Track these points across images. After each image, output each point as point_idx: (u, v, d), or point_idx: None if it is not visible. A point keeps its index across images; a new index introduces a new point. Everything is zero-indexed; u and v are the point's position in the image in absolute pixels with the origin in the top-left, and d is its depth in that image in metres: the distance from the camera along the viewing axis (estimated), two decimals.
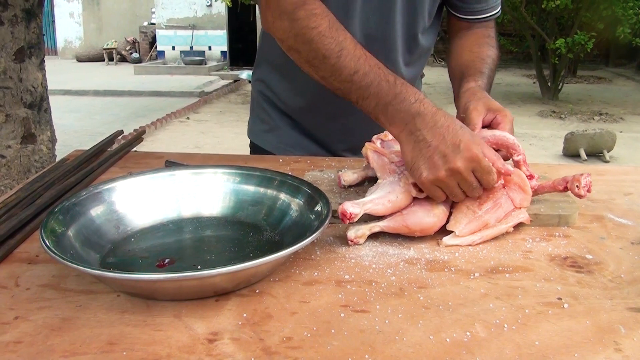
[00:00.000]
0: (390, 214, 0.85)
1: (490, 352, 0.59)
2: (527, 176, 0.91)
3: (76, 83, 10.23)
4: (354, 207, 0.82)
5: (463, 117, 1.00)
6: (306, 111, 1.34)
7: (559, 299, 0.70)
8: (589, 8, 8.87)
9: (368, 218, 0.86)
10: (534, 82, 10.88)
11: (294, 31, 0.96)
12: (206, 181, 0.91)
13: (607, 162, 5.70)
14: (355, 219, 0.82)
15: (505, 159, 0.95)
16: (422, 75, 1.49)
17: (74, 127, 6.80)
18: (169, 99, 9.24)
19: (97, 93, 9.74)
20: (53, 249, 0.67)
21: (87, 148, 1.25)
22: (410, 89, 0.89)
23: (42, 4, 2.49)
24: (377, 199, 0.86)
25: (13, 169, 2.42)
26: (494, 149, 0.88)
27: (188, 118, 7.98)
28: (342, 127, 1.33)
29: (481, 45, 1.25)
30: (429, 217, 0.84)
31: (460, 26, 1.32)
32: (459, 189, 0.85)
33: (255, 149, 1.43)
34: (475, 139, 0.85)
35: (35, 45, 2.49)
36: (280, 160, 1.21)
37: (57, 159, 2.63)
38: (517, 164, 0.93)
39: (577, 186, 0.91)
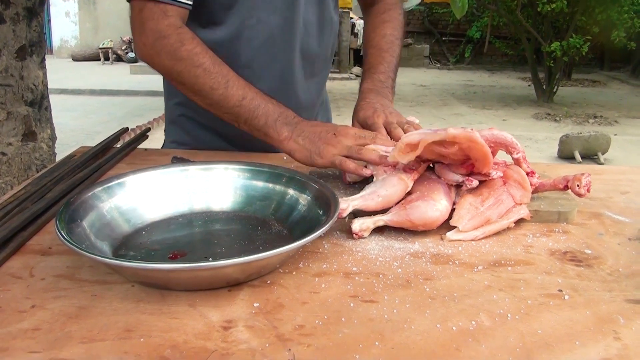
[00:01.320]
0: (389, 208, 0.88)
1: (495, 340, 0.61)
2: (527, 173, 0.94)
3: (72, 82, 10.20)
4: (341, 204, 0.84)
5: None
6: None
7: (560, 290, 0.72)
8: (585, 12, 8.93)
9: (372, 212, 0.88)
10: (529, 85, 10.93)
11: (177, 69, 1.06)
12: (216, 176, 0.93)
13: (601, 164, 5.74)
14: (344, 214, 0.84)
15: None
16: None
17: (70, 126, 6.79)
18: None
19: (93, 92, 9.72)
20: (69, 239, 0.68)
21: (84, 147, 1.26)
22: (288, 109, 1.08)
23: (43, 2, 2.50)
24: (367, 195, 0.88)
25: (14, 166, 2.43)
26: (491, 147, 0.91)
27: None
28: None
29: (375, 27, 1.36)
30: (432, 211, 0.86)
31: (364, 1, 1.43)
32: (357, 146, 0.97)
33: None
34: (347, 126, 1.05)
35: (37, 44, 2.50)
36: (285, 158, 1.23)
37: (57, 158, 2.65)
38: (516, 162, 0.95)
39: (578, 185, 0.93)
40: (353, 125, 1.18)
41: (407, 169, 0.91)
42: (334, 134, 1.00)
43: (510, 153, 0.95)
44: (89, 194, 0.82)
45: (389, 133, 1.08)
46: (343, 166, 0.96)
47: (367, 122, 1.14)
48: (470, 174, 0.91)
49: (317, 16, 1.28)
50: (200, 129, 1.35)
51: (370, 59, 1.32)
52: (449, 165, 0.92)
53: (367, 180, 1.01)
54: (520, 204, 0.92)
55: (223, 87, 1.05)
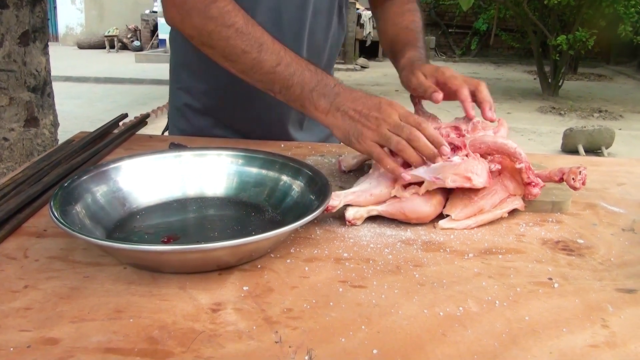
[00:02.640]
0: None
1: (481, 326, 0.61)
2: (530, 184, 0.91)
3: (77, 70, 10.21)
4: (332, 200, 0.83)
5: (414, 89, 1.04)
6: (228, 106, 1.32)
7: (550, 279, 0.72)
8: (591, 5, 8.87)
9: None
10: (534, 78, 10.89)
11: (207, 28, 0.98)
12: (210, 162, 0.93)
13: (593, 157, 5.72)
14: (334, 210, 0.84)
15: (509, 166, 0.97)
16: None
17: (75, 114, 6.81)
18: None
19: (97, 80, 9.73)
20: (63, 221, 0.69)
21: (83, 132, 1.27)
22: (329, 76, 0.97)
23: None
24: (360, 192, 0.88)
25: (16, 151, 2.44)
26: (493, 154, 0.90)
27: None
28: (258, 115, 1.32)
29: (402, 14, 1.26)
30: (426, 205, 0.86)
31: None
32: (397, 137, 0.87)
33: None
34: (393, 102, 0.92)
35: (40, 30, 2.50)
36: (282, 145, 1.23)
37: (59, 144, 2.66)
38: (519, 171, 0.92)
39: (573, 178, 0.92)
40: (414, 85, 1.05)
41: (404, 165, 0.90)
42: (376, 115, 0.89)
43: (513, 162, 0.92)
44: (84, 178, 0.83)
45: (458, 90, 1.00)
46: (382, 163, 0.88)
47: (436, 74, 1.04)
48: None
49: (328, 7, 1.27)
50: (201, 116, 1.34)
51: (405, 37, 1.22)
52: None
53: (362, 169, 1.02)
54: (515, 195, 0.92)
55: (256, 51, 0.96)
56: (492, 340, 0.59)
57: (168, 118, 1.44)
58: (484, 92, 0.99)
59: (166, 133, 1.43)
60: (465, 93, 0.99)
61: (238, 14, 0.98)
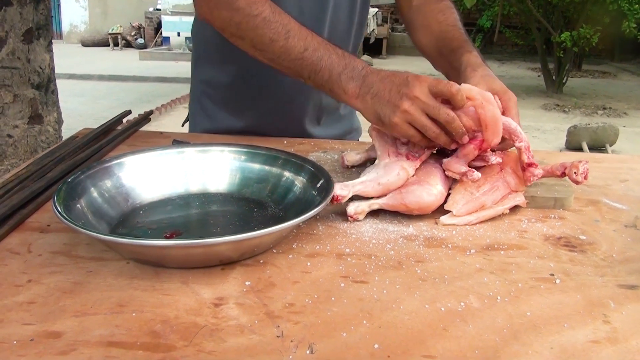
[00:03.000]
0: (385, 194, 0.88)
1: (483, 321, 0.61)
2: (528, 164, 0.92)
3: (81, 67, 10.22)
4: (342, 190, 0.84)
5: None
6: (247, 99, 1.33)
7: (552, 275, 0.72)
8: (595, 2, 8.84)
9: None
10: (538, 75, 10.87)
11: (235, 20, 1.00)
12: (213, 158, 0.94)
13: (595, 153, 5.71)
14: (343, 201, 0.85)
15: (509, 146, 0.97)
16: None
17: (79, 111, 6.82)
18: (173, 85, 9.24)
19: (102, 78, 9.74)
20: (67, 216, 0.69)
21: (87, 128, 1.27)
22: (356, 59, 0.98)
23: None
24: (368, 181, 0.88)
25: (20, 148, 2.45)
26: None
27: None
28: (275, 109, 1.33)
29: (443, 11, 1.24)
30: (427, 196, 0.87)
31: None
32: (426, 118, 0.88)
33: None
34: (420, 75, 0.91)
35: (43, 27, 2.51)
36: (285, 142, 1.23)
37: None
38: (518, 151, 0.93)
39: (575, 172, 0.92)
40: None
41: (410, 156, 0.91)
42: (406, 92, 0.89)
43: (513, 141, 0.93)
44: (88, 174, 0.83)
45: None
46: (421, 143, 0.90)
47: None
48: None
49: (349, 5, 1.28)
50: (220, 108, 1.35)
51: (455, 36, 1.19)
52: (454, 157, 0.91)
53: (365, 165, 1.02)
54: (516, 192, 0.92)
55: (283, 38, 0.98)
56: (494, 335, 0.59)
57: (189, 109, 1.46)
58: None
59: (186, 124, 1.47)
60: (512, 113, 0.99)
61: (265, 4, 0.99)
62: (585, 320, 0.63)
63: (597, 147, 5.83)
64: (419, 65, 12.17)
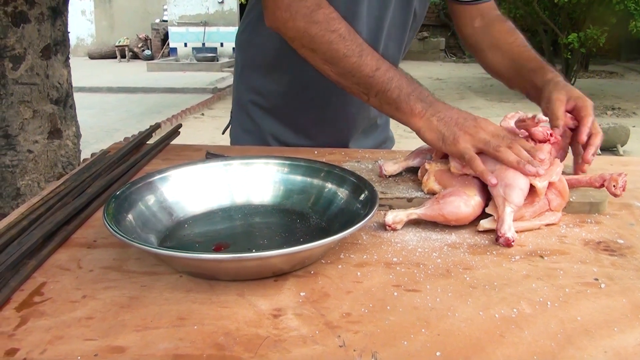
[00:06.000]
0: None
1: (537, 327, 0.62)
2: (546, 137, 0.96)
3: (89, 80, 10.28)
4: (398, 214, 0.87)
5: (546, 107, 1.09)
6: (297, 109, 1.37)
7: (596, 279, 0.74)
8: (602, 2, 8.85)
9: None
10: None
11: (311, 32, 1.02)
12: (256, 171, 0.95)
13: (621, 156, 5.71)
14: (399, 227, 0.87)
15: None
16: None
17: (89, 124, 6.85)
18: (182, 96, 9.29)
19: (110, 90, 9.79)
20: (119, 231, 0.71)
21: (104, 144, 1.29)
22: (423, 87, 1.01)
23: (67, 1, 2.54)
24: (428, 207, 0.89)
25: (40, 163, 2.47)
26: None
27: (203, 114, 8.03)
28: (324, 120, 1.37)
29: (511, 33, 1.30)
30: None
31: (469, 13, 1.38)
32: (497, 142, 0.91)
33: None
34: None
35: (61, 42, 2.53)
36: (316, 152, 1.25)
37: (81, 155, 2.69)
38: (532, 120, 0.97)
39: (614, 185, 0.94)
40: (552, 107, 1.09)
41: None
42: (474, 125, 0.94)
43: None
44: (134, 188, 0.85)
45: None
46: (472, 164, 0.90)
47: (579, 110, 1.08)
48: None
49: (402, 22, 1.31)
50: (266, 115, 1.38)
51: (531, 57, 1.26)
52: None
53: (401, 175, 1.03)
54: (553, 211, 0.93)
55: (357, 55, 1.01)
56: (549, 340, 0.60)
57: (231, 115, 1.50)
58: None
59: (228, 130, 1.51)
60: (588, 123, 1.06)
61: (342, 22, 1.03)
62: (633, 324, 0.64)
63: (609, 147, 5.82)
64: (425, 70, 12.22)
